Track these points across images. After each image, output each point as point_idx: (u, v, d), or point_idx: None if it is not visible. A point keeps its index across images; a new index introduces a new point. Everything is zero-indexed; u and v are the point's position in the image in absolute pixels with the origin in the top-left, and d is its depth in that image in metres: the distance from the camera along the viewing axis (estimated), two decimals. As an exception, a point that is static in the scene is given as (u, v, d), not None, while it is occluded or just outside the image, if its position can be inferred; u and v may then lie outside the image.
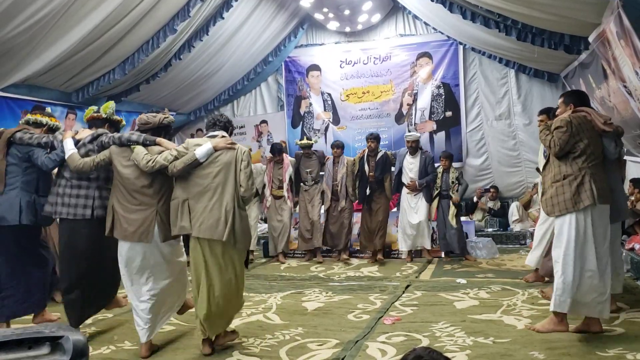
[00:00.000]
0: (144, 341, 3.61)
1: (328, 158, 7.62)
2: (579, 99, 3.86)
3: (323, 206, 7.58)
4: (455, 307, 4.65)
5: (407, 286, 5.55)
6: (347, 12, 9.15)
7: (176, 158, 3.55)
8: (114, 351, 3.76)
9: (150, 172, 3.57)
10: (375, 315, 4.47)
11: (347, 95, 9.94)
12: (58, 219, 4.03)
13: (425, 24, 9.38)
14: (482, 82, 9.32)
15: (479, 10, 6.63)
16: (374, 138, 7.31)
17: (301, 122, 10.14)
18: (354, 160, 7.47)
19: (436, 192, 7.18)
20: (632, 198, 6.61)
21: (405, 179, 7.24)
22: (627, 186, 7.14)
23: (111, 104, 4.09)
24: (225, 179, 3.53)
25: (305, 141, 7.64)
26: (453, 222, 7.03)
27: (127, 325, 4.40)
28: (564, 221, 3.56)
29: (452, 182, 7.14)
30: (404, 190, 7.26)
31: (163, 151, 3.63)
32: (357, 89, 9.89)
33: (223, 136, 3.69)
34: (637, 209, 6.35)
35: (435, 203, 7.17)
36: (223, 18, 7.36)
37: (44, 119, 4.18)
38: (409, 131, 9.55)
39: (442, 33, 9.22)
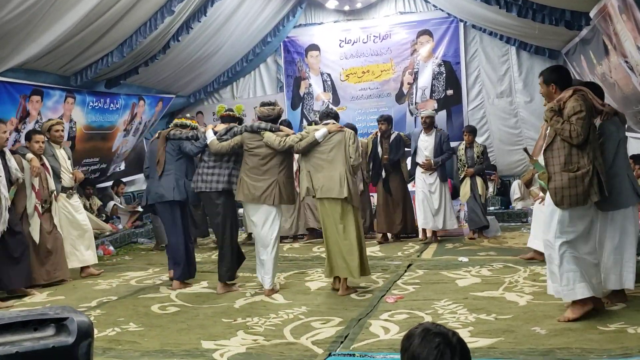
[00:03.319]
0: (267, 287, 4.65)
1: None
2: (561, 77, 3.62)
3: None
4: (458, 285, 4.68)
5: (409, 265, 5.58)
6: (345, -10, 9.05)
7: (300, 139, 4.59)
8: (119, 333, 3.81)
9: (276, 151, 4.61)
10: (377, 293, 4.51)
11: (346, 75, 9.84)
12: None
13: (426, 1, 9.25)
14: (483, 60, 9.22)
15: (479, -13, 6.54)
16: (385, 120, 7.04)
17: (301, 104, 10.08)
18: (367, 141, 7.23)
19: (462, 170, 6.98)
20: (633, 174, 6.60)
21: (419, 158, 6.95)
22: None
23: (243, 107, 5.77)
24: (338, 153, 4.54)
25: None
26: (482, 198, 6.88)
27: (132, 307, 4.45)
28: (572, 213, 3.44)
29: (477, 157, 6.93)
30: (418, 170, 6.97)
31: (284, 135, 4.68)
32: (356, 68, 9.78)
33: (334, 123, 4.69)
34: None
35: (467, 182, 6.94)
36: (221, -2, 7.26)
37: (187, 122, 5.30)
38: (410, 111, 9.53)
39: (443, 10, 9.10)
